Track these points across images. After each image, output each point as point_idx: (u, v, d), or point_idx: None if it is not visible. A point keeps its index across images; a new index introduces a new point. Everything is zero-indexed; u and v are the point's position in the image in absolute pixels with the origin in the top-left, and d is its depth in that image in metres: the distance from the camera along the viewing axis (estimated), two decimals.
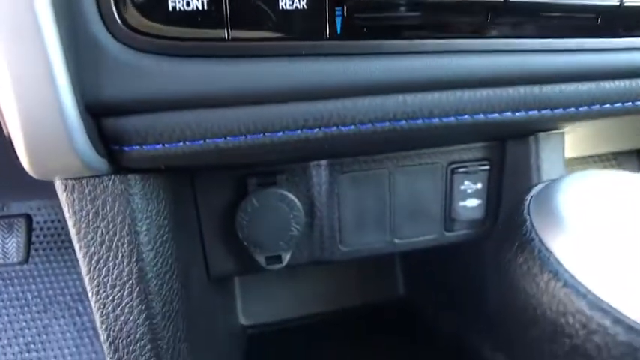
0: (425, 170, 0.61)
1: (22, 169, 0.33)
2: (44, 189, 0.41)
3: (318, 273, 1.01)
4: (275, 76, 0.34)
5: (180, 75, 0.32)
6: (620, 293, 0.28)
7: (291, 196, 0.55)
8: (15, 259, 1.00)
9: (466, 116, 0.40)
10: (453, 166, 0.62)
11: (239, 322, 0.95)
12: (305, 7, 0.31)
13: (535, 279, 0.30)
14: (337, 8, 0.33)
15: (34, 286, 1.10)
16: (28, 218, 1.06)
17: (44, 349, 1.08)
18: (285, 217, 0.55)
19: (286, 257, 0.57)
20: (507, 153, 0.62)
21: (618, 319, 0.26)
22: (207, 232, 0.58)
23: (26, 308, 1.09)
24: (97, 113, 0.32)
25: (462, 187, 0.62)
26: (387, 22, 0.35)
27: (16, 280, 1.10)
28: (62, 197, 0.38)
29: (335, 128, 0.38)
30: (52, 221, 1.11)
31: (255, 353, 0.89)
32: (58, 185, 0.38)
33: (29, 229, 1.08)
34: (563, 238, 0.32)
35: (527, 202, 0.38)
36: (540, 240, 0.32)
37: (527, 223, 0.35)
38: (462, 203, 0.62)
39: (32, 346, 1.08)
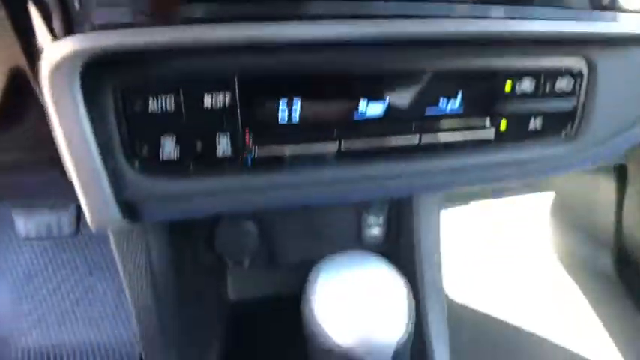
0: (343, 211, 0.91)
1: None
2: None
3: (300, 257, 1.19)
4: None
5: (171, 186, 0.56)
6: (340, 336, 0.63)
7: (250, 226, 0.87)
8: (67, 232, 1.11)
9: None
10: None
11: (228, 297, 1.15)
12: (230, 154, 0.55)
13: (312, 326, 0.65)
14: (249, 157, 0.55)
15: (82, 252, 1.29)
16: None
17: (90, 305, 1.28)
18: (245, 238, 0.87)
19: (247, 262, 0.90)
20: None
21: (337, 345, 0.62)
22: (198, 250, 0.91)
23: (75, 270, 1.29)
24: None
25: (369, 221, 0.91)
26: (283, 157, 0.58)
27: (67, 248, 1.29)
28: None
29: None
30: None
31: (241, 325, 1.10)
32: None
33: (79, 208, 1.23)
34: (322, 308, 0.65)
35: (315, 271, 0.67)
36: (311, 306, 0.65)
37: (308, 289, 0.66)
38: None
39: (80, 302, 1.28)
